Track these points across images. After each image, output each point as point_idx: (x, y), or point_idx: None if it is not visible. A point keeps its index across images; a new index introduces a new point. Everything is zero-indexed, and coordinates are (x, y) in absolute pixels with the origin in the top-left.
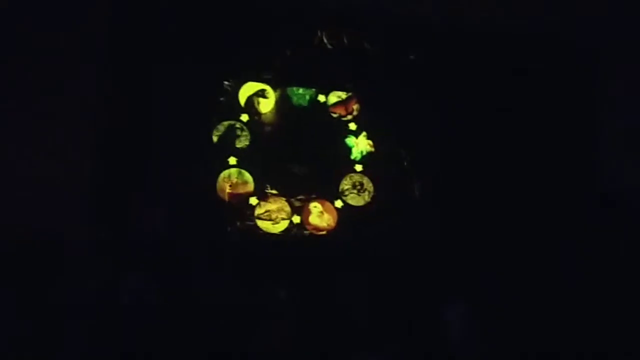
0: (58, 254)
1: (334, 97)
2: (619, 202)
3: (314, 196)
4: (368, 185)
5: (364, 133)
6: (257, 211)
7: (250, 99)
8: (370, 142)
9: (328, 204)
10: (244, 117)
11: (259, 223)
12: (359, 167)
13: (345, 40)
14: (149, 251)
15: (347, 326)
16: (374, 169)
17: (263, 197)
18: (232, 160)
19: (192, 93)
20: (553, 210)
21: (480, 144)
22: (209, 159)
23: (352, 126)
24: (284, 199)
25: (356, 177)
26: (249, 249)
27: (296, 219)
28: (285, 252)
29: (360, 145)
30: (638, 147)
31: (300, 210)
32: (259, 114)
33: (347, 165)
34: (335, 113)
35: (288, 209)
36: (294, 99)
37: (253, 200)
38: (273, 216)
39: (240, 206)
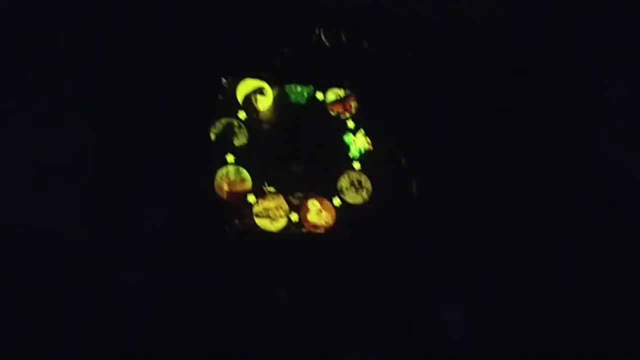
0: (58, 253)
1: (332, 95)
2: (619, 202)
3: (312, 194)
4: (366, 183)
5: (362, 131)
6: (255, 209)
7: (248, 97)
8: (368, 140)
9: (326, 201)
10: (242, 115)
11: (257, 221)
12: (357, 165)
13: (344, 38)
14: (148, 250)
15: (345, 325)
16: (372, 167)
17: (261, 194)
18: (230, 158)
19: (189, 91)
20: (552, 210)
21: (479, 143)
22: (207, 157)
23: (351, 124)
24: (282, 196)
25: (354, 175)
26: (247, 247)
27: (294, 217)
28: (283, 250)
29: (358, 143)
30: (638, 147)
31: (299, 208)
32: (256, 111)
33: (345, 163)
34: (333, 111)
35: (286, 206)
36: (292, 96)
37: (251, 198)
38: (271, 214)
39: (238, 204)
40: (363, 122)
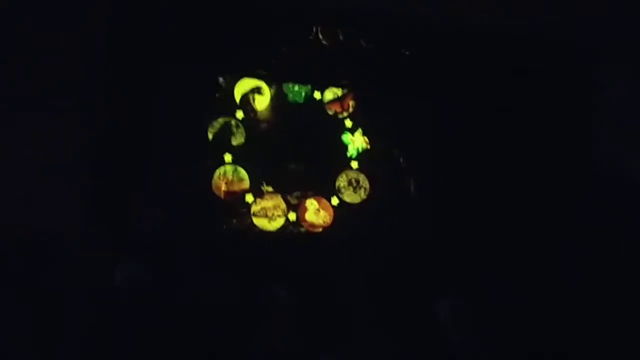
0: (57, 253)
1: (330, 94)
2: (619, 200)
3: (310, 193)
4: (364, 182)
5: (360, 130)
6: (253, 208)
7: (245, 96)
8: (366, 139)
9: (324, 201)
10: (240, 114)
11: (255, 220)
12: (354, 164)
13: (341, 37)
14: (146, 248)
15: (344, 323)
16: (370, 166)
17: (259, 194)
18: (228, 157)
19: (187, 90)
20: (550, 208)
21: (477, 142)
22: (205, 157)
23: (348, 123)
24: (279, 196)
25: (352, 174)
26: (245, 247)
27: (292, 216)
28: (281, 249)
29: (356, 142)
30: (638, 146)
31: (297, 207)
32: (254, 110)
33: (343, 162)
34: (331, 110)
35: (284, 206)
36: (290, 95)
37: (249, 198)
38: (269, 213)
39: (236, 203)
40: (361, 121)
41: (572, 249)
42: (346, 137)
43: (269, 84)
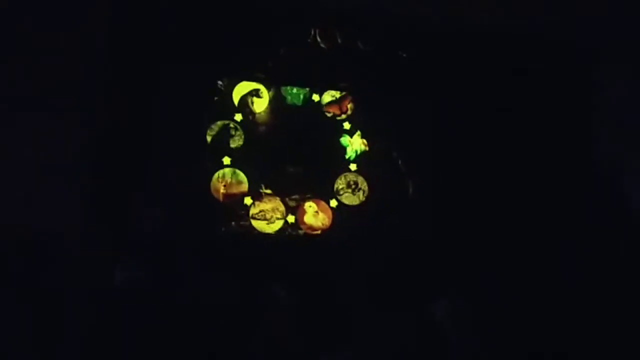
0: (57, 253)
1: (328, 97)
2: (619, 200)
3: (308, 196)
4: (363, 184)
5: (359, 132)
6: (252, 211)
7: (244, 99)
8: (364, 141)
9: (323, 203)
10: (238, 117)
11: (254, 223)
12: (353, 167)
13: (339, 40)
14: (146, 251)
15: (343, 325)
16: (369, 168)
17: (257, 196)
18: (226, 160)
19: (185, 93)
20: (550, 208)
21: (476, 143)
22: (203, 160)
23: (347, 125)
24: (278, 198)
25: (351, 176)
26: (243, 249)
27: (291, 219)
28: (280, 252)
29: (354, 144)
30: (638, 146)
31: (295, 209)
32: (253, 113)
33: (342, 164)
34: (329, 112)
35: (283, 208)
36: (288, 98)
37: (247, 200)
38: (268, 216)
39: (234, 206)
40: (359, 124)
41: (572, 249)
42: (345, 140)
43: (268, 87)
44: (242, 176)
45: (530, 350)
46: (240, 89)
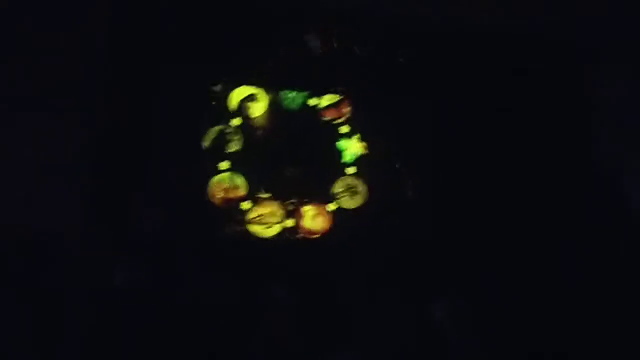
0: (57, 253)
1: (325, 100)
2: (619, 200)
3: (306, 200)
4: (361, 188)
5: (357, 135)
6: (250, 215)
7: (241, 103)
8: (362, 144)
9: (321, 207)
10: (236, 121)
11: (252, 227)
12: (351, 170)
13: (337, 43)
14: (145, 253)
15: (342, 328)
16: (367, 172)
17: (255, 201)
18: (224, 165)
19: (183, 98)
20: (550, 208)
21: (475, 145)
22: (201, 164)
23: (344, 129)
24: (276, 202)
25: (349, 180)
26: (241, 254)
27: (289, 223)
28: (278, 256)
29: (352, 147)
30: (638, 146)
31: (293, 213)
32: (250, 117)
33: (340, 168)
34: (327, 116)
35: (281, 212)
36: (286, 102)
37: (245, 205)
38: (266, 220)
39: (232, 210)
40: (357, 127)
41: (572, 249)
42: (342, 143)
43: (265, 91)
44: (239, 181)
45: (530, 350)
46: (238, 94)
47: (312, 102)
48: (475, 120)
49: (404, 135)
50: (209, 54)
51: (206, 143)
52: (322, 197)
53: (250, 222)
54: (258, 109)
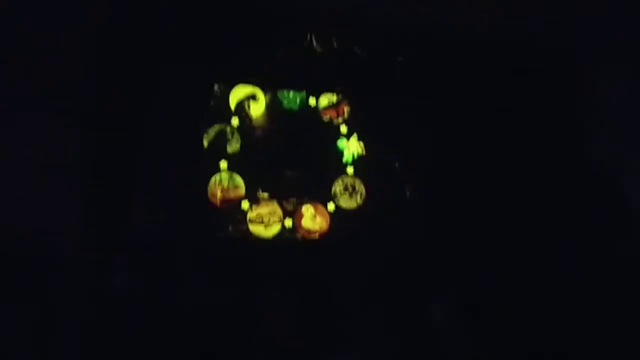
0: (56, 254)
1: (324, 100)
2: (618, 201)
3: (306, 199)
4: (360, 187)
5: (355, 135)
6: (249, 215)
7: (240, 103)
8: (361, 144)
9: (320, 206)
10: (235, 121)
11: (251, 227)
12: (350, 170)
13: (335, 44)
14: (144, 255)
15: (341, 328)
16: (366, 171)
17: (255, 201)
18: (223, 165)
19: (182, 97)
20: (550, 209)
21: (474, 146)
22: (200, 164)
23: (343, 129)
24: (275, 202)
25: (348, 180)
26: (241, 253)
27: (288, 223)
28: (277, 256)
29: (351, 147)
30: (638, 146)
31: (293, 213)
32: (249, 117)
33: (339, 167)
34: (326, 116)
35: (280, 212)
36: (285, 102)
37: (245, 204)
38: (265, 220)
39: (231, 210)
40: (356, 127)
41: (572, 249)
42: (341, 143)
43: (264, 91)
44: (239, 180)
45: (530, 351)
46: (237, 93)
47: (312, 102)
48: (475, 120)
49: (403, 135)
50: (209, 54)
51: (205, 143)
52: (321, 196)
53: (250, 221)
54: (257, 108)
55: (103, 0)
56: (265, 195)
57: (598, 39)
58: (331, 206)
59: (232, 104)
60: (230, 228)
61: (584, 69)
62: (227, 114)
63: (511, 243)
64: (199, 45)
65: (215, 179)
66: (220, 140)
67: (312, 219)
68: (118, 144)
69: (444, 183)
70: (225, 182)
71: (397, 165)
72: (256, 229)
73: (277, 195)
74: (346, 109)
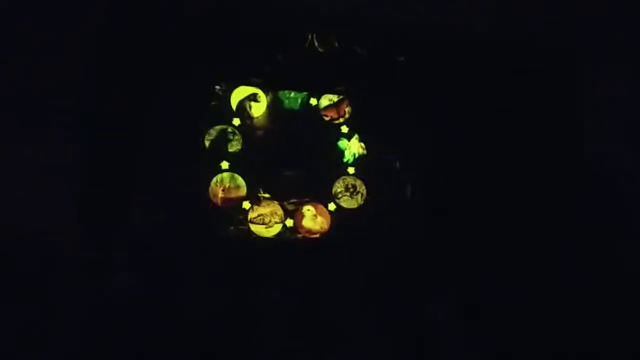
0: (55, 256)
1: (325, 100)
2: (618, 200)
3: (307, 199)
4: (361, 187)
5: (356, 136)
6: (250, 215)
7: (241, 103)
8: (362, 144)
9: (321, 207)
10: (236, 122)
11: (252, 227)
12: (351, 170)
13: (336, 44)
14: (144, 255)
15: (341, 327)
16: (367, 172)
17: (256, 201)
18: (225, 165)
19: (184, 98)
20: (549, 209)
21: (474, 146)
22: (201, 164)
23: (344, 129)
24: (276, 202)
25: (349, 180)
26: (242, 253)
27: (289, 223)
28: (278, 256)
29: (352, 147)
30: (637, 146)
31: (294, 213)
32: (250, 118)
33: (340, 168)
34: (327, 116)
35: (281, 212)
36: (286, 102)
37: (246, 205)
38: (266, 220)
39: (233, 210)
40: (357, 127)
41: (572, 249)
42: (342, 143)
43: (265, 91)
44: (240, 180)
45: (530, 351)
46: (238, 94)
47: (312, 102)
48: (475, 120)
49: (404, 135)
50: (210, 54)
51: (206, 143)
52: (322, 197)
53: (251, 222)
54: (258, 109)
55: (103, 0)
56: (267, 195)
57: (598, 39)
58: (332, 206)
59: (234, 104)
60: (231, 228)
61: (584, 69)
62: (228, 115)
63: (511, 243)
64: (200, 45)
65: (216, 179)
66: (222, 140)
67: (313, 219)
68: (118, 145)
69: (445, 182)
70: (226, 182)
71: (398, 165)
72: (257, 229)
73: (278, 196)
74: (347, 109)
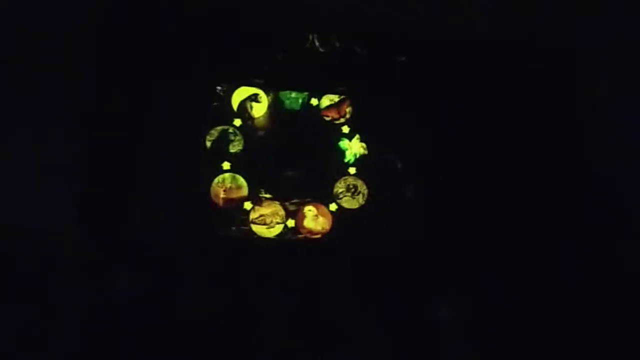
0: (55, 256)
1: (326, 101)
2: (617, 200)
3: (308, 200)
4: (362, 187)
5: (357, 136)
6: (252, 216)
7: (243, 104)
8: (363, 144)
9: (322, 207)
10: (237, 122)
11: (254, 228)
12: (352, 170)
13: (337, 44)
14: (145, 256)
15: (342, 327)
16: (368, 172)
17: (257, 201)
18: (226, 165)
19: (185, 99)
20: (549, 209)
21: (475, 145)
22: (203, 165)
23: (345, 129)
24: (278, 203)
25: (350, 180)
26: (243, 254)
27: (291, 223)
28: (280, 256)
29: (353, 148)
30: (637, 146)
31: (295, 214)
32: (252, 118)
33: (341, 168)
34: (328, 116)
35: (282, 213)
36: (287, 102)
37: (247, 205)
38: (267, 220)
39: (234, 211)
40: (358, 127)
41: (572, 249)
42: (343, 143)
43: (266, 92)
44: (241, 181)
45: (530, 351)
46: (239, 94)
47: (313, 102)
48: (475, 120)
49: (405, 135)
50: (211, 54)
51: (208, 144)
52: (324, 197)
53: (252, 222)
54: (259, 109)
55: (103, 0)
56: (268, 195)
57: (598, 39)
58: (333, 206)
59: (235, 105)
60: (232, 228)
61: (584, 69)
62: (229, 115)
63: (511, 243)
64: (201, 46)
65: (218, 179)
66: (223, 141)
67: (315, 219)
68: (119, 145)
69: (446, 183)
70: (227, 182)
71: (399, 165)
72: (258, 230)
73: (280, 196)
74: (348, 109)
